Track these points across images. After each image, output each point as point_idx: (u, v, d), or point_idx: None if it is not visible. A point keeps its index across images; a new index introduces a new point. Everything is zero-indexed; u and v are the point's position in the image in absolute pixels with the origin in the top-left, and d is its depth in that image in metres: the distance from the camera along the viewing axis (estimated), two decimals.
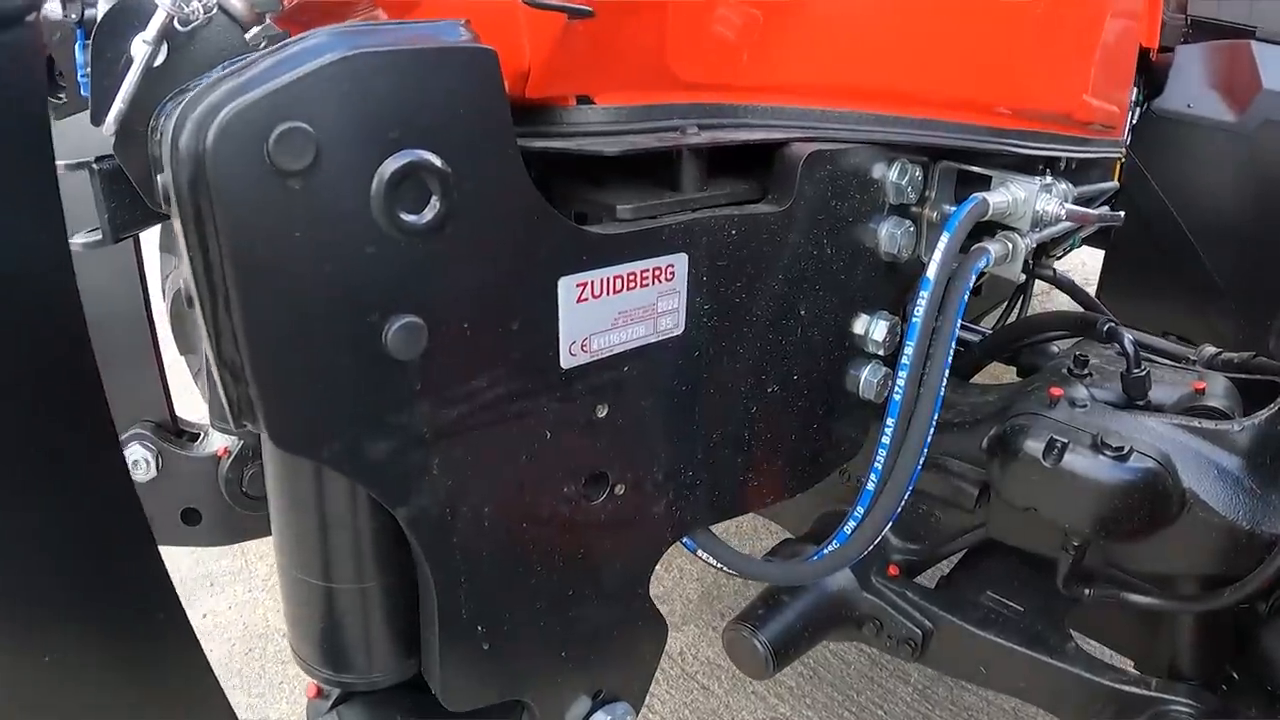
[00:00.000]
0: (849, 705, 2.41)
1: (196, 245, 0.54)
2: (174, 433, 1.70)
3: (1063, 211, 1.07)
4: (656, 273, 0.75)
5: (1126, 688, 1.29)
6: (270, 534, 1.76)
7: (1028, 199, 1.04)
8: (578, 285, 0.69)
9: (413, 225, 0.57)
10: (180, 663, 0.63)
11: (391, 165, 0.55)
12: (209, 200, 0.51)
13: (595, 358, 0.74)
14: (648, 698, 2.21)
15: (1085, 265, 3.17)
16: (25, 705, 0.54)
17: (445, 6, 0.80)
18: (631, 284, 0.73)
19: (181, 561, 3.36)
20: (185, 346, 2.03)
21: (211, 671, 0.66)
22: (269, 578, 3.19)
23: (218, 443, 1.68)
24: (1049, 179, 1.12)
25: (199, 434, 1.73)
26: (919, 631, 1.37)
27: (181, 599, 2.14)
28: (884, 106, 0.95)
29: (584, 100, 0.77)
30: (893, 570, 1.40)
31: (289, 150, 0.51)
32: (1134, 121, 2.52)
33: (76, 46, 0.99)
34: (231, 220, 0.51)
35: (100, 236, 0.97)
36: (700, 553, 1.07)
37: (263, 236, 0.52)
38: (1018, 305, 2.00)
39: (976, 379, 1.55)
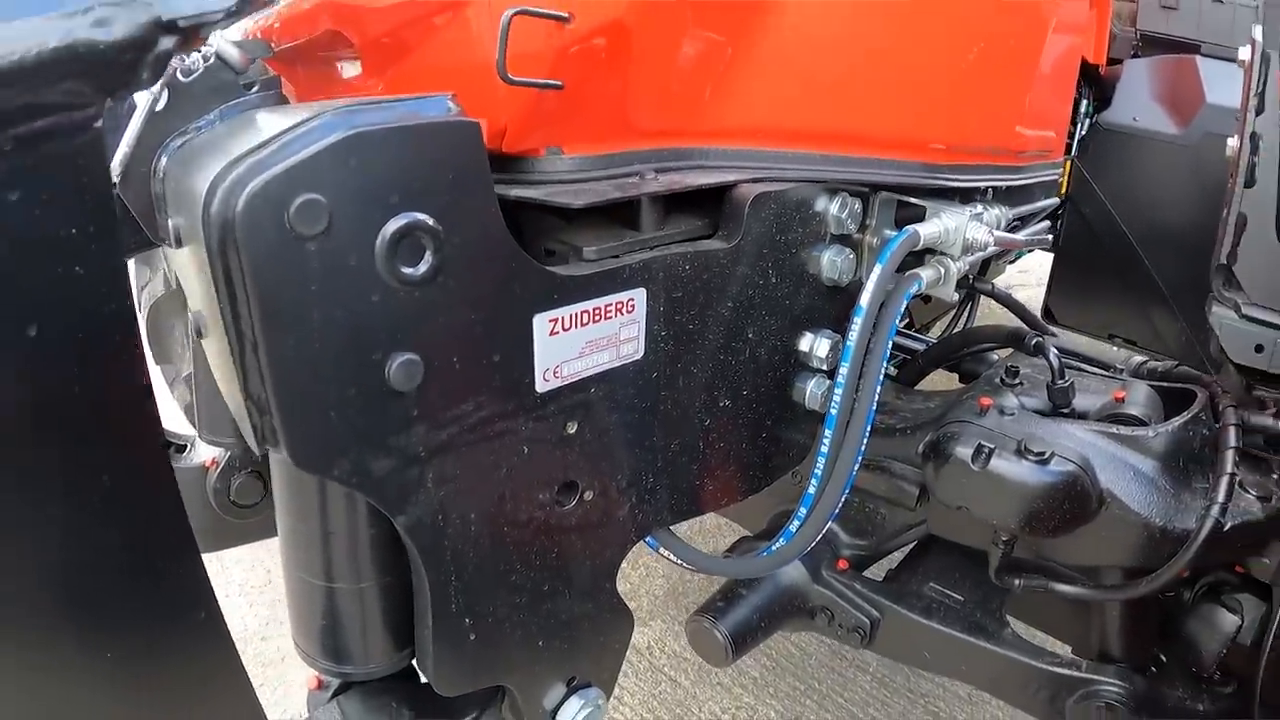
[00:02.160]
0: (810, 694, 2.54)
1: (225, 297, 0.63)
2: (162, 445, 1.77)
3: (991, 238, 1.19)
4: (619, 306, 0.86)
5: (1059, 670, 1.41)
6: (249, 541, 1.84)
7: (958, 228, 1.16)
8: (550, 321, 0.80)
9: (410, 276, 0.67)
10: (217, 662, 0.72)
11: (392, 226, 0.65)
12: (238, 260, 0.61)
13: (566, 382, 0.85)
14: (617, 690, 2.32)
15: (1042, 266, 3.32)
16: (80, 701, 0.63)
17: (425, 66, 0.91)
18: (597, 317, 0.84)
19: None
20: (161, 356, 2.10)
21: (244, 671, 0.76)
22: (245, 583, 3.25)
23: (205, 454, 1.76)
24: (979, 208, 1.25)
25: (185, 445, 1.80)
26: (867, 620, 1.49)
27: None
28: (826, 147, 1.07)
29: (553, 150, 0.88)
30: (842, 564, 1.53)
31: (306, 218, 0.61)
32: (1083, 133, 2.67)
33: None
34: (258, 277, 0.61)
35: None
36: (662, 550, 1.18)
37: (285, 290, 0.62)
38: (965, 316, 2.13)
39: (922, 385, 1.68)
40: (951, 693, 2.54)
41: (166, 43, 0.53)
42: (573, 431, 0.88)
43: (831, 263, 1.08)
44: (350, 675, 1.00)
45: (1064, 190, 2.58)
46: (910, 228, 1.10)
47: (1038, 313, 2.85)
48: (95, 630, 0.63)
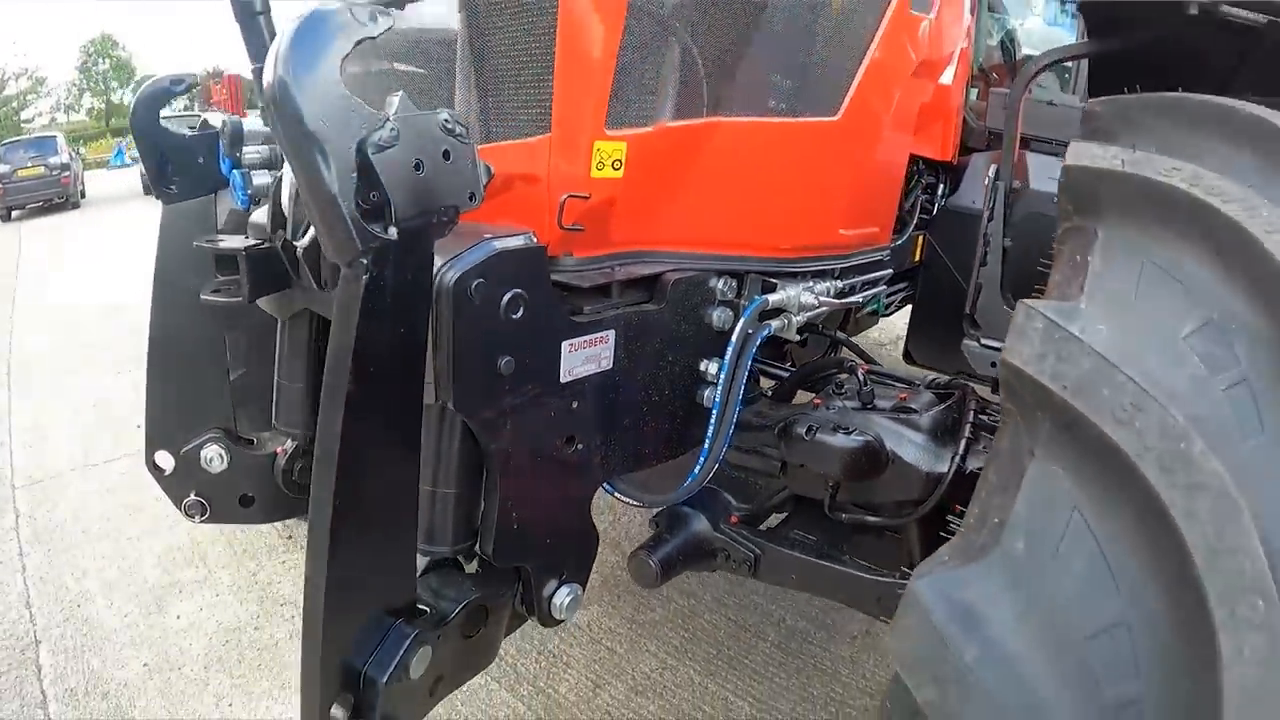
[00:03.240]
0: (721, 658, 3.33)
1: (434, 327, 1.44)
2: (235, 438, 2.51)
3: (817, 302, 2.09)
4: (601, 339, 1.70)
5: (883, 579, 2.24)
6: (302, 515, 2.62)
7: (795, 296, 2.05)
8: (569, 344, 1.63)
9: (514, 319, 1.50)
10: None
11: (508, 294, 1.48)
12: (448, 311, 1.41)
13: (574, 378, 1.68)
14: (565, 657, 3.13)
15: None
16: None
17: (506, 200, 1.74)
18: (591, 344, 1.68)
19: (149, 573, 4.03)
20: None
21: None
22: (234, 585, 3.89)
23: (273, 445, 2.50)
24: (813, 282, 2.14)
25: (253, 440, 2.54)
26: (752, 555, 2.33)
27: (152, 604, 3.11)
28: (715, 249, 1.94)
29: (568, 254, 1.72)
30: (734, 519, 2.37)
31: (479, 290, 1.43)
32: (936, 211, 3.58)
33: (223, 164, 1.88)
34: (454, 319, 1.42)
35: (242, 299, 1.87)
36: (616, 494, 2.01)
37: (464, 325, 1.43)
38: (829, 352, 3.03)
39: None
40: (835, 655, 3.36)
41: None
42: (576, 406, 1.71)
43: (718, 317, 1.95)
44: (434, 553, 1.77)
45: (918, 258, 3.50)
46: (762, 296, 1.98)
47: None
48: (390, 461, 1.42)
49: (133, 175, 27.00)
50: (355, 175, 1.18)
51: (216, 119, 2.10)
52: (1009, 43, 4.71)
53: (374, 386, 1.29)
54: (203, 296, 2.14)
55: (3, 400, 6.81)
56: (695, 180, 1.85)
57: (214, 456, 2.44)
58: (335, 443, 1.27)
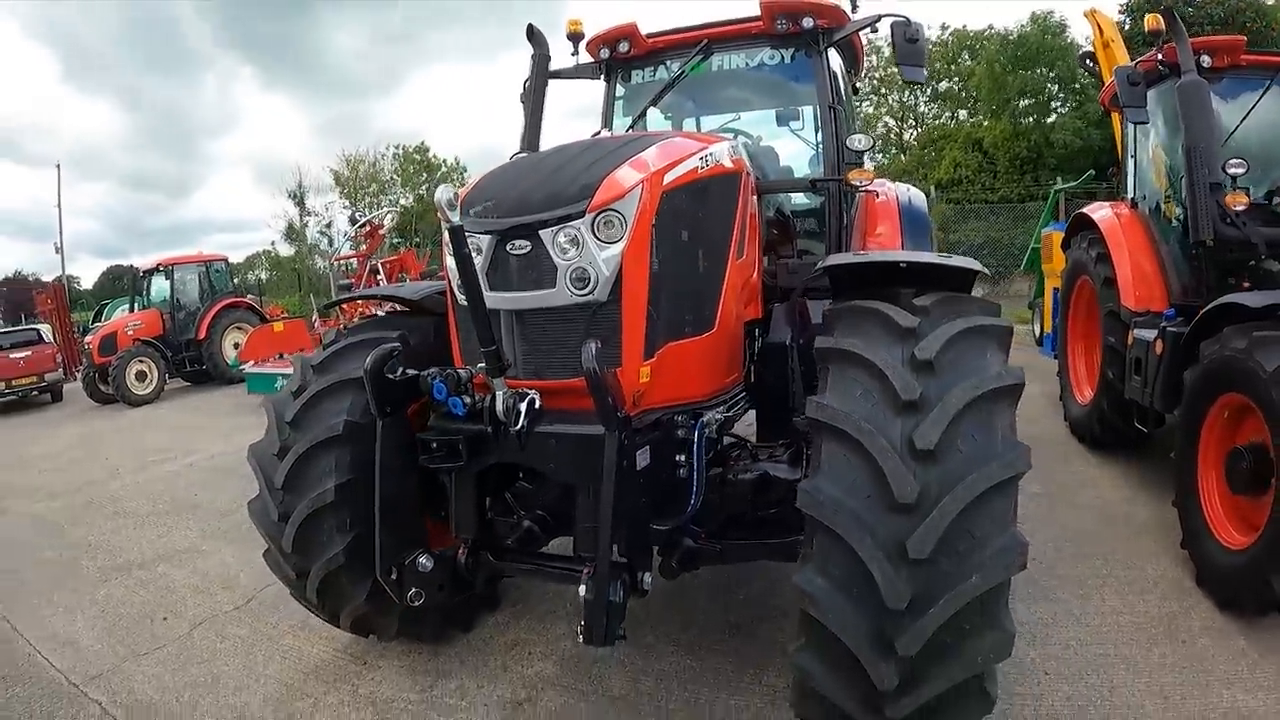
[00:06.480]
0: (683, 665, 5.79)
1: None
2: (431, 550, 4.82)
3: (723, 417, 4.80)
4: (645, 450, 4.28)
5: (784, 540, 4.76)
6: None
7: (714, 415, 4.75)
8: (639, 452, 4.22)
9: (627, 444, 4.06)
10: None
11: (625, 435, 4.05)
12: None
13: (640, 468, 4.24)
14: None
15: None
16: None
17: None
18: (643, 453, 4.26)
19: (260, 712, 5.93)
20: None
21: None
22: (339, 701, 5.88)
23: (451, 550, 4.84)
24: (720, 407, 4.87)
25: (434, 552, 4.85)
26: (718, 550, 4.83)
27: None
28: (676, 402, 4.61)
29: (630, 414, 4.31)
30: (703, 536, 4.87)
31: (620, 437, 4.01)
32: (758, 349, 6.34)
33: (438, 392, 4.40)
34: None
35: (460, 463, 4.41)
36: (652, 523, 4.56)
37: (618, 451, 3.99)
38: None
39: None
40: (771, 637, 5.88)
41: None
42: (641, 481, 4.25)
43: (682, 433, 4.53)
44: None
45: (752, 379, 6.22)
46: (700, 420, 4.62)
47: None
48: None
49: None
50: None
51: (430, 371, 4.41)
52: (781, 215, 7.33)
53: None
54: (430, 465, 4.55)
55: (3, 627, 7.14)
56: (665, 373, 4.51)
57: (426, 561, 4.73)
58: (608, 522, 3.83)
